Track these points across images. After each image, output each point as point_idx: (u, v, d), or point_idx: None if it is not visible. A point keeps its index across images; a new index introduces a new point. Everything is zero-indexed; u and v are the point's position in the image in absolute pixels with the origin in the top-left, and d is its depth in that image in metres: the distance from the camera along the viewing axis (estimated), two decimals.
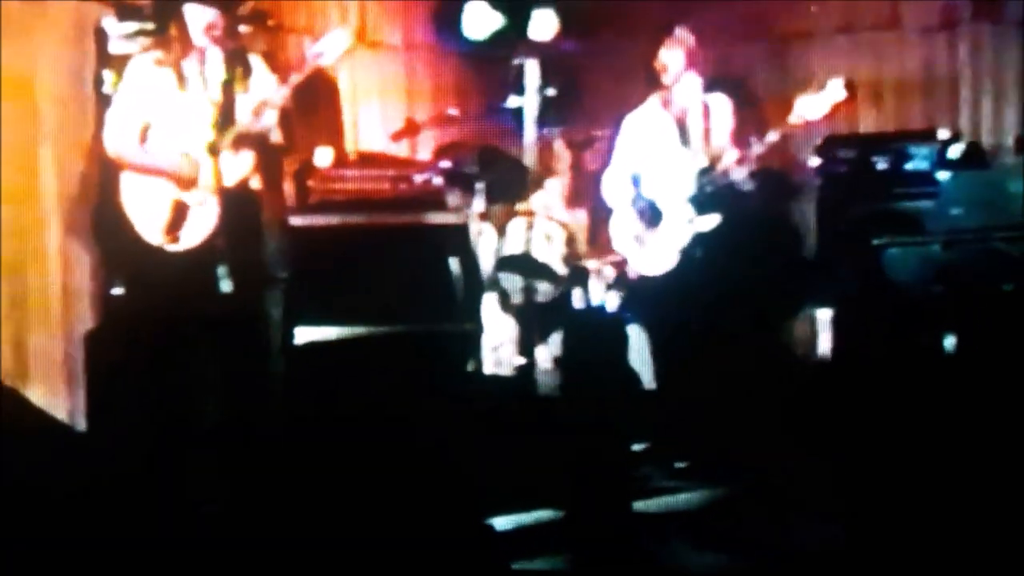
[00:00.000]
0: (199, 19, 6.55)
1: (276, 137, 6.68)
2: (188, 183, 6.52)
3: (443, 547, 5.22)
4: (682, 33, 7.58)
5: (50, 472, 5.44)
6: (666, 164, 7.65)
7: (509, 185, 8.54)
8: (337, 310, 7.41)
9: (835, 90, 7.33)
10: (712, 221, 7.48)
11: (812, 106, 7.33)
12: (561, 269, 8.50)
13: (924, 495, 5.67)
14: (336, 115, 9.25)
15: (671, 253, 7.55)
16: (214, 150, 6.55)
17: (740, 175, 7.42)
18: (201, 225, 6.51)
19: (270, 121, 6.63)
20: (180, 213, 6.51)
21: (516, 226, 8.53)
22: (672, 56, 7.57)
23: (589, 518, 5.94)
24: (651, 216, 7.66)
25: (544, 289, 8.42)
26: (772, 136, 7.37)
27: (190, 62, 6.58)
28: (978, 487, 5.65)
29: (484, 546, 5.47)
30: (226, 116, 6.59)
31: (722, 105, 7.67)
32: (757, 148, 7.38)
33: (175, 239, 6.51)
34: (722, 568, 5.55)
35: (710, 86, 7.67)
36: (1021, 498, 5.52)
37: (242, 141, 6.59)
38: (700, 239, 7.49)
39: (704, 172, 7.49)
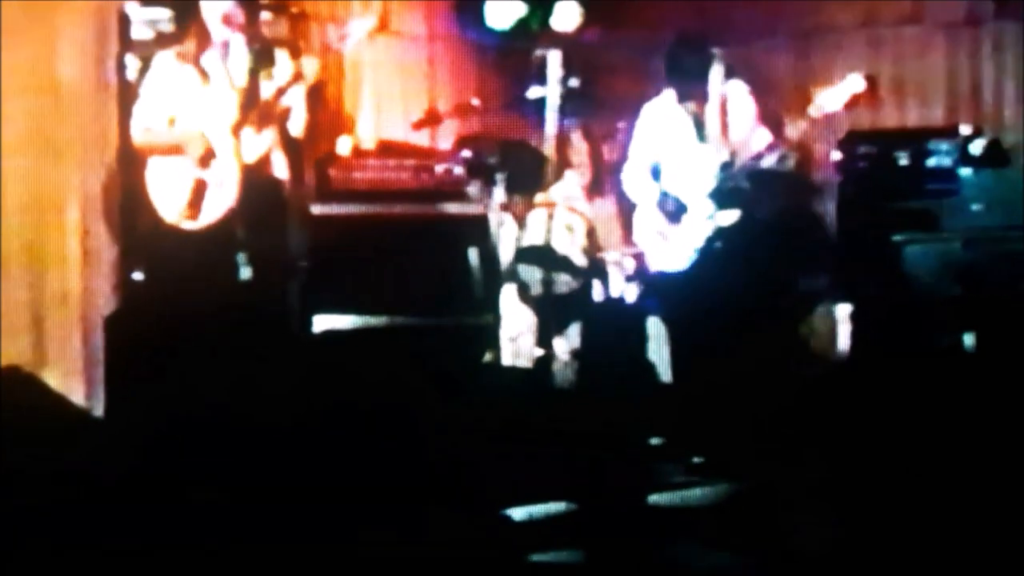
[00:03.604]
0: (216, 10, 6.58)
1: (298, 118, 6.72)
2: (209, 161, 6.55)
3: (459, 538, 5.22)
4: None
5: (66, 457, 5.45)
6: (683, 158, 7.65)
7: (530, 176, 8.53)
8: (356, 299, 7.42)
9: (854, 82, 7.35)
10: (733, 216, 7.48)
11: (831, 98, 7.35)
12: (581, 261, 8.49)
13: (942, 496, 5.65)
14: (358, 104, 9.27)
15: (692, 248, 7.55)
16: (236, 129, 6.58)
17: (760, 167, 7.43)
18: (220, 203, 6.54)
19: (292, 105, 6.67)
20: (199, 191, 6.55)
21: (537, 217, 8.53)
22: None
23: (604, 511, 5.94)
24: (672, 211, 7.66)
25: (564, 281, 8.41)
26: (791, 130, 7.39)
27: (212, 54, 6.62)
28: (996, 488, 5.63)
29: (500, 537, 5.47)
30: (249, 105, 6.63)
31: (741, 93, 7.67)
32: (776, 142, 7.41)
33: (194, 216, 6.54)
34: (737, 564, 5.54)
35: (729, 74, 7.67)
36: None
37: (264, 120, 6.62)
38: (720, 234, 7.50)
39: (726, 166, 7.50)
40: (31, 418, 5.84)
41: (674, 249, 7.64)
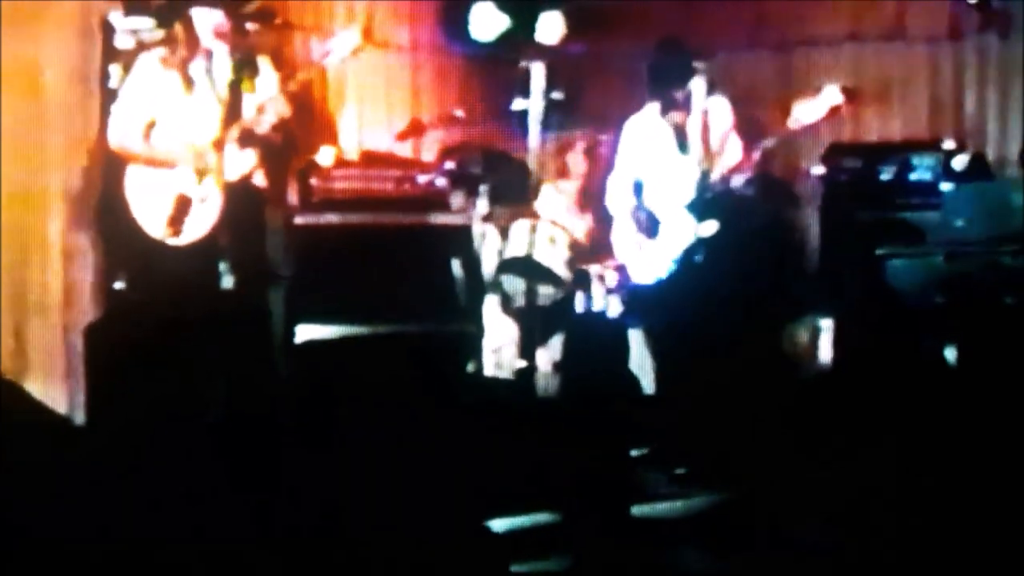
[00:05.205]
0: (206, 20, 6.57)
1: (281, 134, 6.70)
2: (192, 177, 6.54)
3: (442, 548, 5.22)
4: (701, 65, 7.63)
5: (48, 466, 5.44)
6: (665, 171, 7.66)
7: (513, 187, 8.53)
8: (339, 309, 7.42)
9: (831, 95, 7.35)
10: (712, 227, 7.48)
11: (808, 110, 7.36)
12: (564, 273, 8.48)
13: (924, 505, 5.66)
14: (341, 114, 9.26)
15: (671, 261, 7.55)
16: (219, 145, 6.56)
17: (739, 180, 7.44)
18: (203, 219, 6.52)
19: (275, 118, 6.65)
20: (183, 207, 6.53)
21: (519, 229, 8.51)
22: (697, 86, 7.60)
23: (587, 522, 5.93)
24: (651, 224, 7.66)
25: (546, 292, 8.40)
26: (769, 142, 7.41)
27: (197, 61, 6.60)
28: (979, 498, 5.64)
29: (483, 548, 5.47)
30: (232, 113, 6.61)
31: (722, 108, 7.68)
32: (755, 154, 7.41)
33: (177, 232, 6.52)
34: (720, 575, 5.54)
35: (711, 89, 7.68)
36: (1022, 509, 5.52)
37: (247, 137, 6.60)
38: (702, 246, 7.50)
39: (704, 178, 7.50)
40: (13, 425, 5.84)
41: (656, 261, 7.64)
